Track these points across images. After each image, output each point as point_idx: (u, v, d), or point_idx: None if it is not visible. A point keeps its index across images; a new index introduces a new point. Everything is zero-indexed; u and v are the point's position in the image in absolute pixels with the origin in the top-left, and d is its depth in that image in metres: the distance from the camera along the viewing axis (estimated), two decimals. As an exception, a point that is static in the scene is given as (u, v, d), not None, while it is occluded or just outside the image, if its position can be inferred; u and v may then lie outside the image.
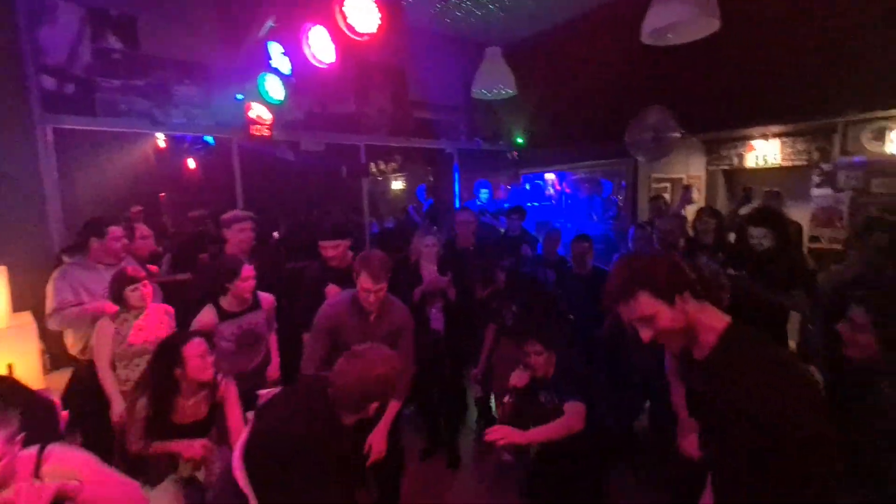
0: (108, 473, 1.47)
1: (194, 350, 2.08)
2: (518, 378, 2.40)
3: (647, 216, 5.12)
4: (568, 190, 6.38)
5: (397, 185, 9.21)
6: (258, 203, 4.91)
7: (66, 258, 2.88)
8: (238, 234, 3.10)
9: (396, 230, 5.69)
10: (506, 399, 2.49)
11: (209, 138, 5.00)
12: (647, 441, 3.00)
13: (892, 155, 3.68)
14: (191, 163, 6.84)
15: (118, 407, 2.46)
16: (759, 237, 2.94)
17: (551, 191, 6.65)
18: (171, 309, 2.81)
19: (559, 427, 2.02)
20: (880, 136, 3.68)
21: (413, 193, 7.56)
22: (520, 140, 6.11)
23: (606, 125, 4.81)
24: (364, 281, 2.21)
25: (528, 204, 6.29)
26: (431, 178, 7.33)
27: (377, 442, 2.19)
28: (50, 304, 2.70)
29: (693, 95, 4.45)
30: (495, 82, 3.95)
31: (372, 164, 5.30)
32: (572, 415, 2.06)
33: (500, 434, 1.80)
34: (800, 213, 4.74)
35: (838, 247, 4.25)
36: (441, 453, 3.25)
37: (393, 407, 2.28)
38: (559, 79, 5.62)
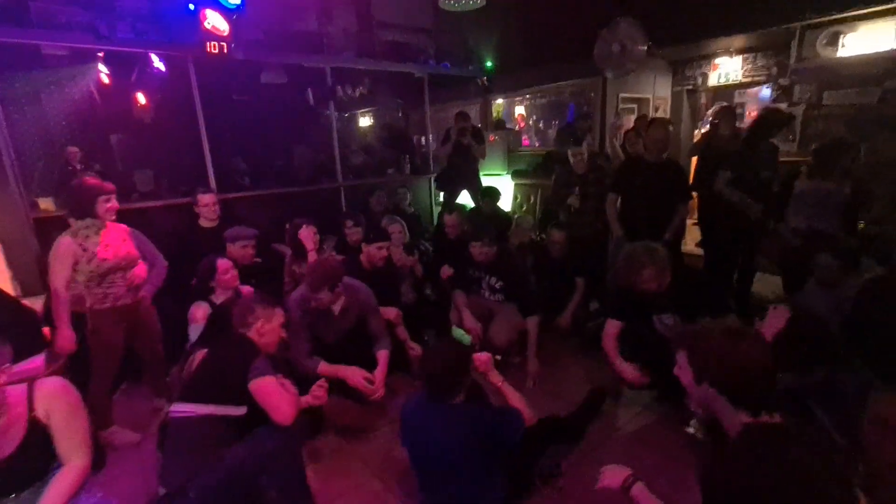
0: (82, 412, 1.63)
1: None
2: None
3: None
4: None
5: (364, 121, 8.95)
6: (220, 147, 4.65)
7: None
8: (239, 251, 3.10)
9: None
10: None
11: (159, 64, 4.62)
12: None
13: (843, 59, 3.86)
14: (140, 98, 6.39)
15: (66, 332, 2.34)
16: None
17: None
18: (127, 228, 2.67)
19: None
20: (834, 41, 3.84)
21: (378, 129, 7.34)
22: (489, 64, 5.99)
23: (575, 42, 4.77)
24: (324, 295, 2.51)
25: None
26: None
27: (379, 383, 2.57)
28: None
29: (659, 8, 4.45)
30: (464, -11, 3.81)
31: (339, 89, 5.10)
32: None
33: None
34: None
35: (789, 159, 4.52)
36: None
37: (383, 355, 2.68)
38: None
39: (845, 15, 3.69)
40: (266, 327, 1.99)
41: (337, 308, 2.65)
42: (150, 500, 2.15)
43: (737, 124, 4.38)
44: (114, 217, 2.53)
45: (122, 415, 2.73)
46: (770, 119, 3.43)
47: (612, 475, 1.47)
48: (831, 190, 2.96)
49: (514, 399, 2.02)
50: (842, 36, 3.80)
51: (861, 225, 3.26)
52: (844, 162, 2.95)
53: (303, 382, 2.43)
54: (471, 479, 1.82)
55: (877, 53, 3.74)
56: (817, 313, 2.27)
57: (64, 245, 2.33)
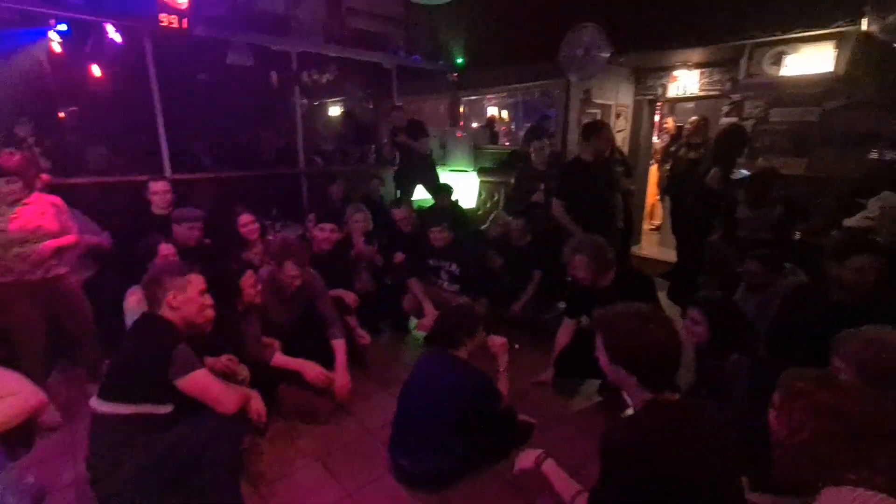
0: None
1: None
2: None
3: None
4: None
5: (334, 109, 8.83)
6: (179, 126, 4.49)
7: None
8: (186, 232, 3.00)
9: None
10: None
11: (115, 35, 4.42)
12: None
13: (786, 77, 4.12)
14: (95, 70, 6.08)
15: None
16: None
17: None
18: (58, 201, 2.59)
19: None
20: (778, 60, 4.08)
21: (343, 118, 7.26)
22: (460, 60, 6.03)
23: (543, 43, 4.88)
24: (290, 269, 2.47)
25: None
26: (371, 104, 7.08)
27: (340, 378, 2.51)
28: None
29: (623, 16, 4.62)
30: (433, -18, 3.84)
31: (305, 74, 5.02)
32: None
33: None
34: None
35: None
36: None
37: (340, 346, 2.63)
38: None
39: (788, 36, 3.94)
40: (179, 298, 1.74)
41: (295, 284, 2.58)
42: (77, 481, 2.09)
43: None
44: (16, 198, 2.40)
45: (55, 398, 2.62)
46: (734, 134, 3.89)
47: (526, 458, 1.59)
48: (765, 214, 3.34)
49: (504, 386, 2.26)
50: (785, 56, 4.05)
51: (797, 235, 3.54)
52: (772, 191, 3.32)
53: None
54: (440, 429, 2.01)
55: (816, 74, 4.00)
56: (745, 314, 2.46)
57: None
